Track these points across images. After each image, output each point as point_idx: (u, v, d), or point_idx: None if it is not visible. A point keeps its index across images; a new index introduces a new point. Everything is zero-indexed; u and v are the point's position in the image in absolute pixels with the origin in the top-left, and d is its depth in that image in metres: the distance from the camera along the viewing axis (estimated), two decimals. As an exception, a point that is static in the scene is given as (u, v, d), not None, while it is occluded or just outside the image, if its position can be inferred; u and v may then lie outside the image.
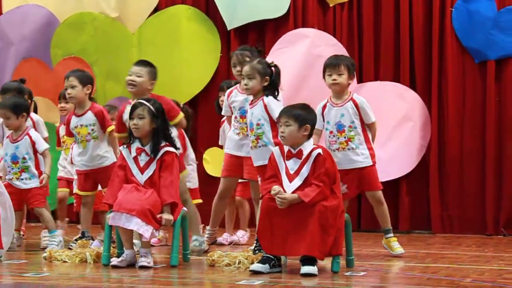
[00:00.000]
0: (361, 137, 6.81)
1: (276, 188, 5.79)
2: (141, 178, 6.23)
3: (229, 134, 7.12)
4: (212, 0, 9.61)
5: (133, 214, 5.99)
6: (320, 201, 5.74)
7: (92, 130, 7.07)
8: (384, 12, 9.05)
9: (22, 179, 7.16)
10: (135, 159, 6.29)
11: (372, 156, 6.82)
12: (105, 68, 9.77)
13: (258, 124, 6.58)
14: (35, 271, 6.00)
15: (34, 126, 7.60)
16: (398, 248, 6.78)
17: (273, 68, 6.67)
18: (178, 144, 6.61)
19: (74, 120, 7.15)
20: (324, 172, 5.81)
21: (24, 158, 7.17)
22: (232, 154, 7.01)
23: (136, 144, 6.31)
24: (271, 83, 6.64)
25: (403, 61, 8.93)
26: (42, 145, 7.22)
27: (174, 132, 6.59)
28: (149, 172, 6.23)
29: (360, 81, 8.97)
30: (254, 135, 6.61)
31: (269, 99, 6.57)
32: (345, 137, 6.80)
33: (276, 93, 6.63)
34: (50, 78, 9.77)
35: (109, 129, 7.12)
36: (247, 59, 6.94)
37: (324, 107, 6.90)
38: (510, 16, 8.68)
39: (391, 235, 6.86)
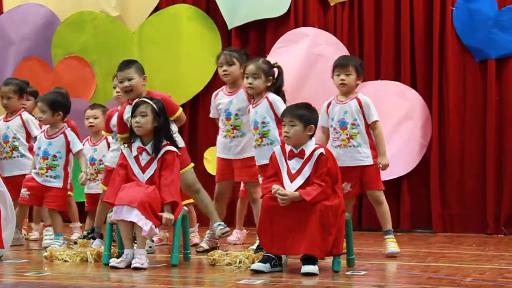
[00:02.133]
0: (365, 135, 6.82)
1: (275, 186, 5.79)
2: (142, 177, 6.22)
3: (218, 137, 7.15)
4: (213, -1, 9.64)
5: (134, 205, 5.97)
6: (321, 200, 5.73)
7: None
8: (385, 11, 9.04)
9: (46, 176, 7.10)
10: (136, 158, 6.27)
11: (374, 156, 6.82)
12: (106, 67, 9.75)
13: (263, 123, 6.64)
14: (36, 270, 6.00)
15: (24, 124, 7.61)
16: (391, 247, 6.69)
17: (276, 69, 6.69)
18: (180, 141, 6.61)
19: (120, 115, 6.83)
20: (326, 172, 5.80)
21: (54, 156, 7.11)
22: (222, 157, 7.06)
23: (137, 143, 6.30)
24: (275, 84, 6.68)
25: (404, 60, 8.93)
26: (77, 146, 7.15)
27: (174, 129, 6.58)
28: (150, 171, 6.22)
29: (360, 80, 8.98)
30: (259, 134, 6.65)
31: (274, 97, 6.64)
32: (347, 134, 6.81)
33: (280, 94, 6.70)
34: (50, 77, 9.77)
35: None
36: (235, 60, 6.99)
37: (329, 104, 6.92)
38: (511, 15, 8.68)
39: (390, 236, 6.78)
